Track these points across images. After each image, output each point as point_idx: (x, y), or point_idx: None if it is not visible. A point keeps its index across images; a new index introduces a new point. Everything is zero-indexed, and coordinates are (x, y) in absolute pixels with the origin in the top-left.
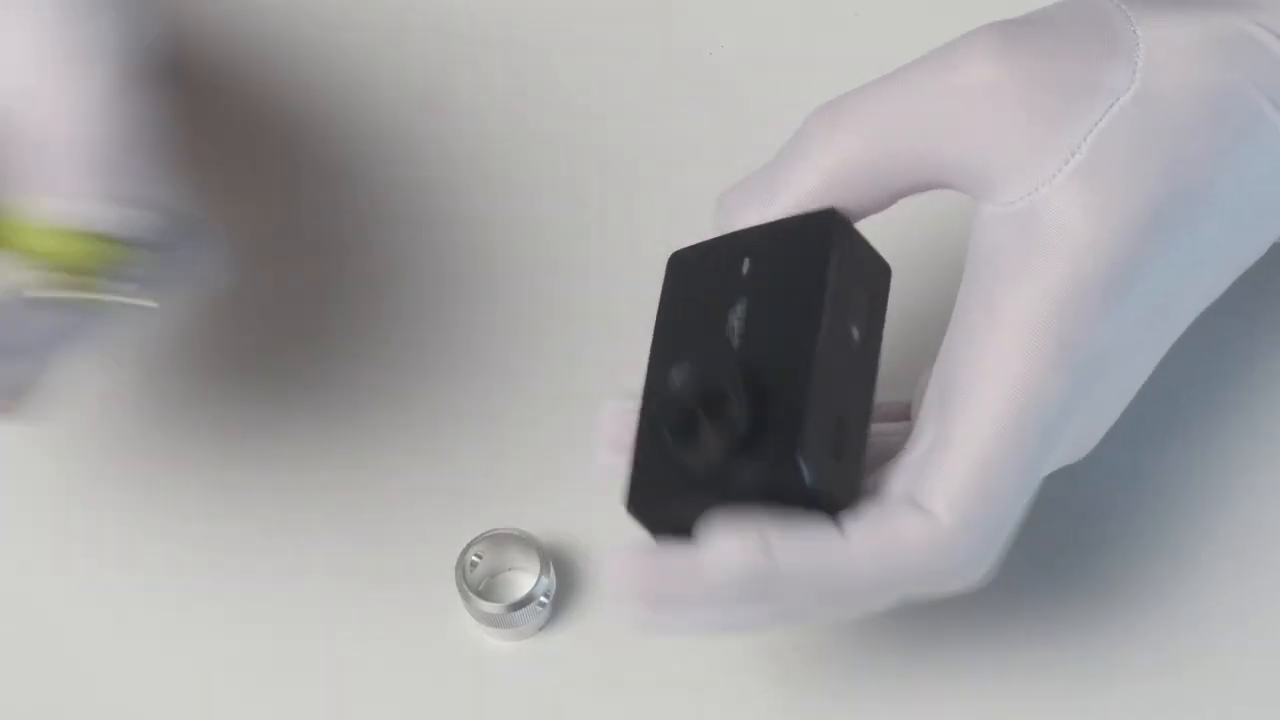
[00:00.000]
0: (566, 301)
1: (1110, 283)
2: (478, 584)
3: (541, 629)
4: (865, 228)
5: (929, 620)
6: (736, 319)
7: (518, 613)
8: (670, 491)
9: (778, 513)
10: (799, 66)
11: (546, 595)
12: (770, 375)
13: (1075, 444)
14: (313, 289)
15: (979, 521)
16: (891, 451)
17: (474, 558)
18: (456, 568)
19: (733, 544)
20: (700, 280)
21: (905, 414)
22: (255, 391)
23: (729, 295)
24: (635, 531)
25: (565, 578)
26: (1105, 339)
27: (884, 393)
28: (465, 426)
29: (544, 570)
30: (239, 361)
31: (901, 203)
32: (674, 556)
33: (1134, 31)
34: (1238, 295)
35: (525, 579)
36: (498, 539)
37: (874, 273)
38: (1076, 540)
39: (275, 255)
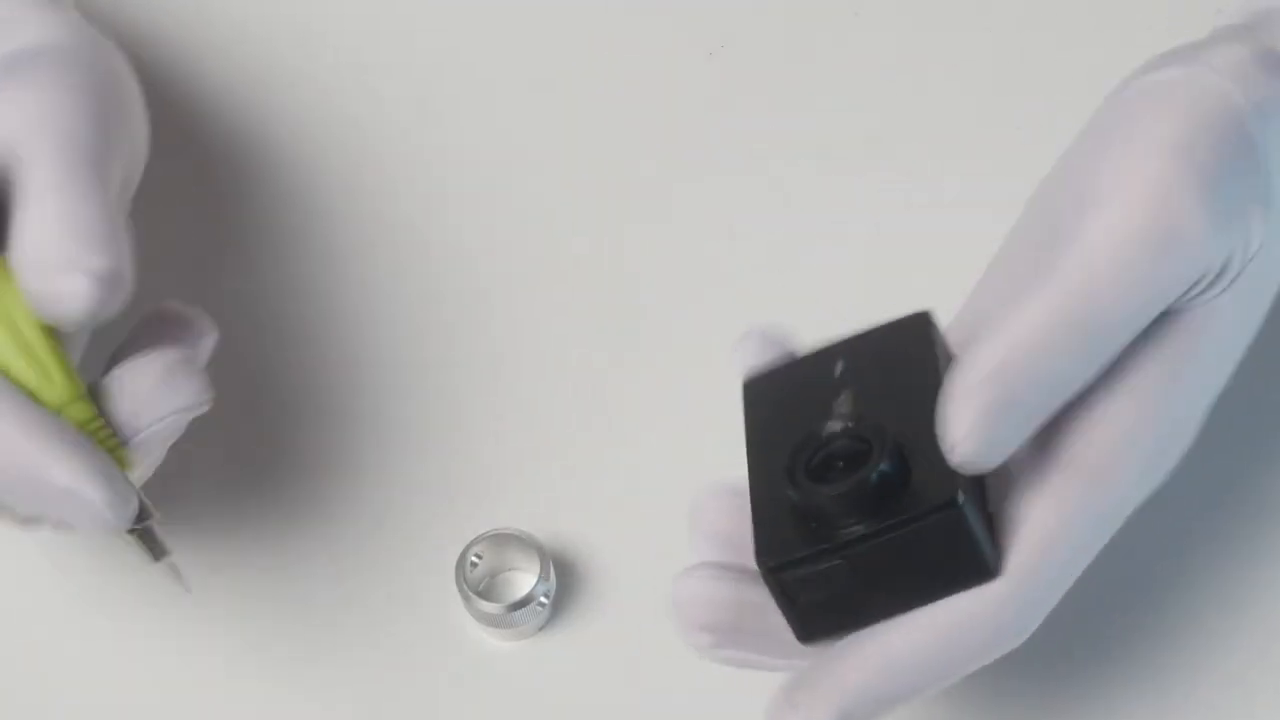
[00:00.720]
0: (568, 302)
1: (1234, 354)
2: (478, 584)
3: (541, 629)
4: None
5: None
6: (842, 407)
7: (518, 613)
8: (805, 548)
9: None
10: (799, 66)
11: (546, 595)
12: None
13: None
14: (313, 289)
15: (1038, 584)
16: None
17: (474, 558)
18: (456, 568)
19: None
20: (788, 392)
21: None
22: (255, 391)
23: (827, 393)
24: (635, 533)
25: (565, 578)
26: (1170, 426)
27: None
28: (465, 426)
29: (544, 570)
30: (238, 362)
31: None
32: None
33: (1260, 133)
34: None
35: (525, 579)
36: (498, 539)
37: None
38: None
39: (275, 256)
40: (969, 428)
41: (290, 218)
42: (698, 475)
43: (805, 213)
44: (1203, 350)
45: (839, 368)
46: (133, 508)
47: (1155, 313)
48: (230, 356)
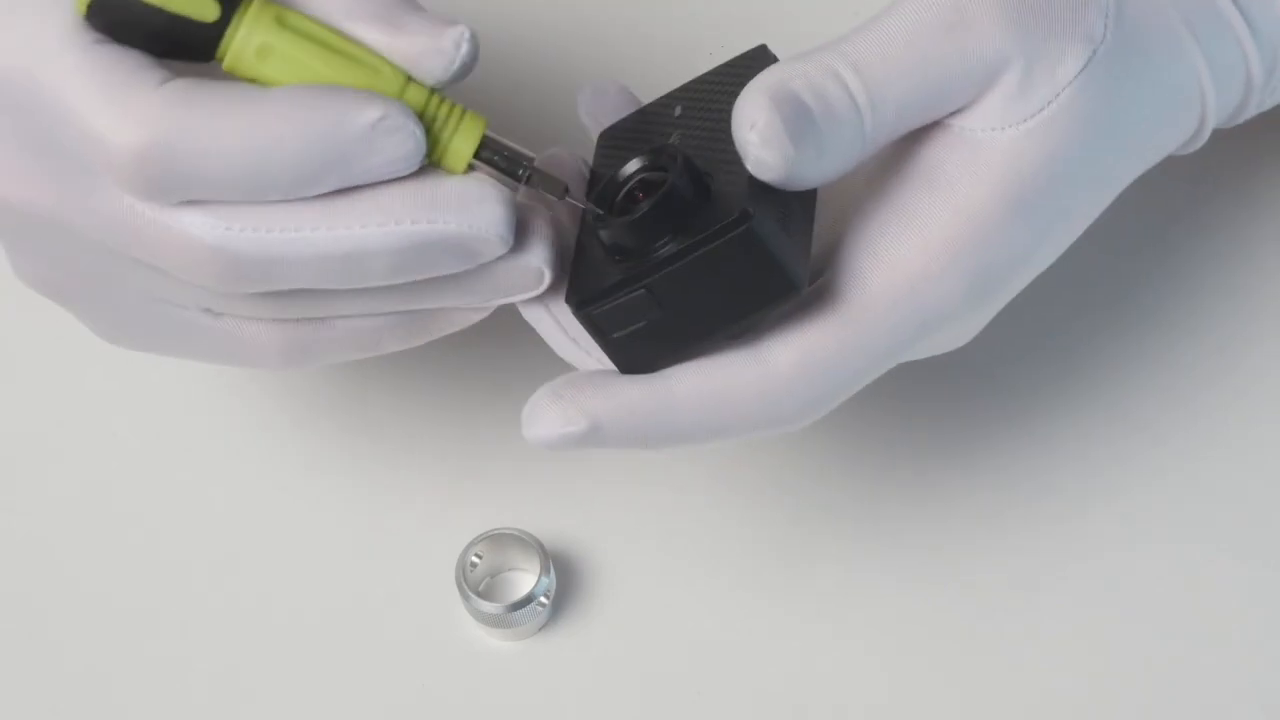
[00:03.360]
0: None
1: (1031, 208)
2: (478, 584)
3: (541, 629)
4: None
5: (927, 621)
6: (680, 109)
7: (518, 613)
8: (610, 280)
9: (602, 378)
10: None
11: (546, 595)
12: (712, 172)
13: (951, 341)
14: None
15: (817, 387)
16: None
17: (474, 558)
18: (456, 568)
19: (554, 429)
20: (632, 136)
21: None
22: (255, 392)
23: (660, 136)
24: (635, 533)
25: (565, 578)
26: (1007, 258)
27: None
28: (465, 426)
29: (544, 570)
30: None
31: None
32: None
33: None
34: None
35: (525, 579)
36: (498, 539)
37: None
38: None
39: None
40: (764, 116)
41: None
42: (698, 475)
43: None
44: (1032, 169)
45: (678, 110)
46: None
47: (938, 106)
48: None
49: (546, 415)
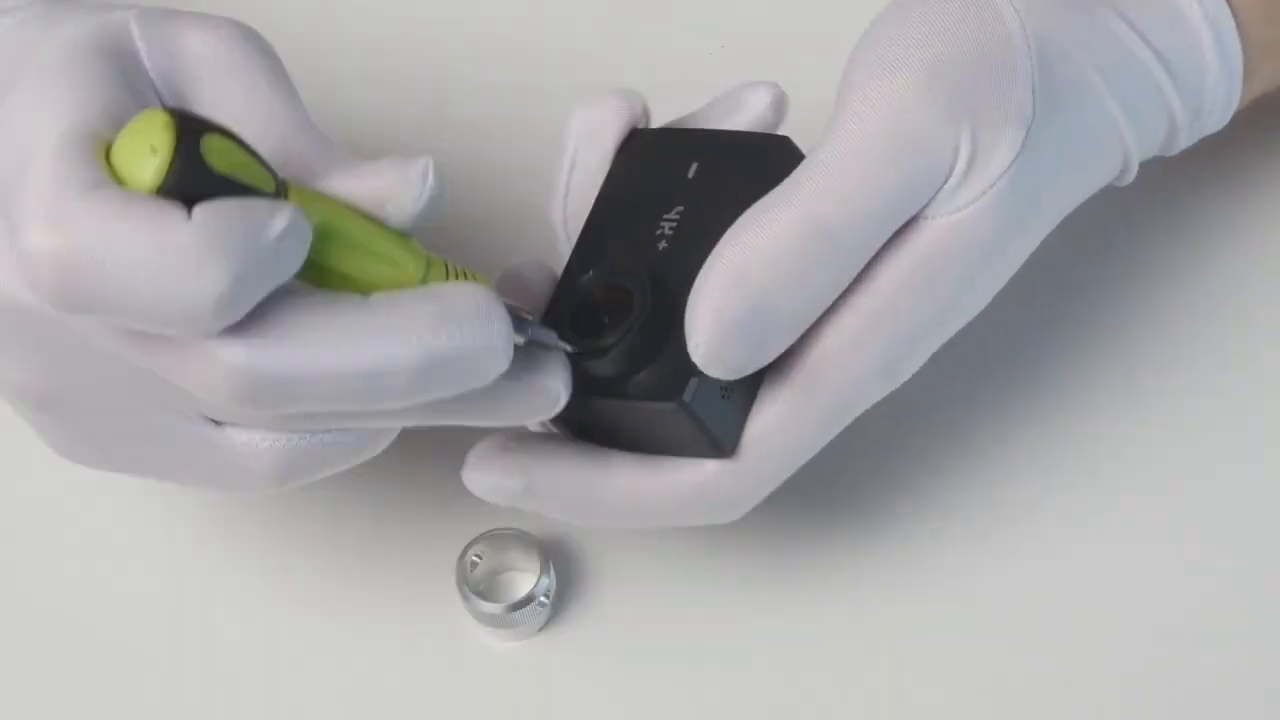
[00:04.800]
0: None
1: (950, 283)
2: (478, 584)
3: (541, 629)
4: None
5: (928, 621)
6: (669, 222)
7: (518, 613)
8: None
9: (551, 442)
10: (799, 67)
11: (546, 595)
12: (685, 291)
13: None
14: None
15: (752, 473)
16: None
17: (474, 558)
18: (456, 568)
19: (491, 479)
20: (650, 167)
21: None
22: None
23: (669, 195)
24: (635, 533)
25: (565, 578)
26: (922, 326)
27: None
28: (466, 426)
29: (544, 570)
30: None
31: None
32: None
33: (1028, 51)
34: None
35: (525, 579)
36: (498, 539)
37: None
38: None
39: None
40: (706, 335)
41: None
42: None
43: None
44: (948, 262)
45: (693, 170)
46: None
47: (895, 219)
48: None
49: (490, 465)
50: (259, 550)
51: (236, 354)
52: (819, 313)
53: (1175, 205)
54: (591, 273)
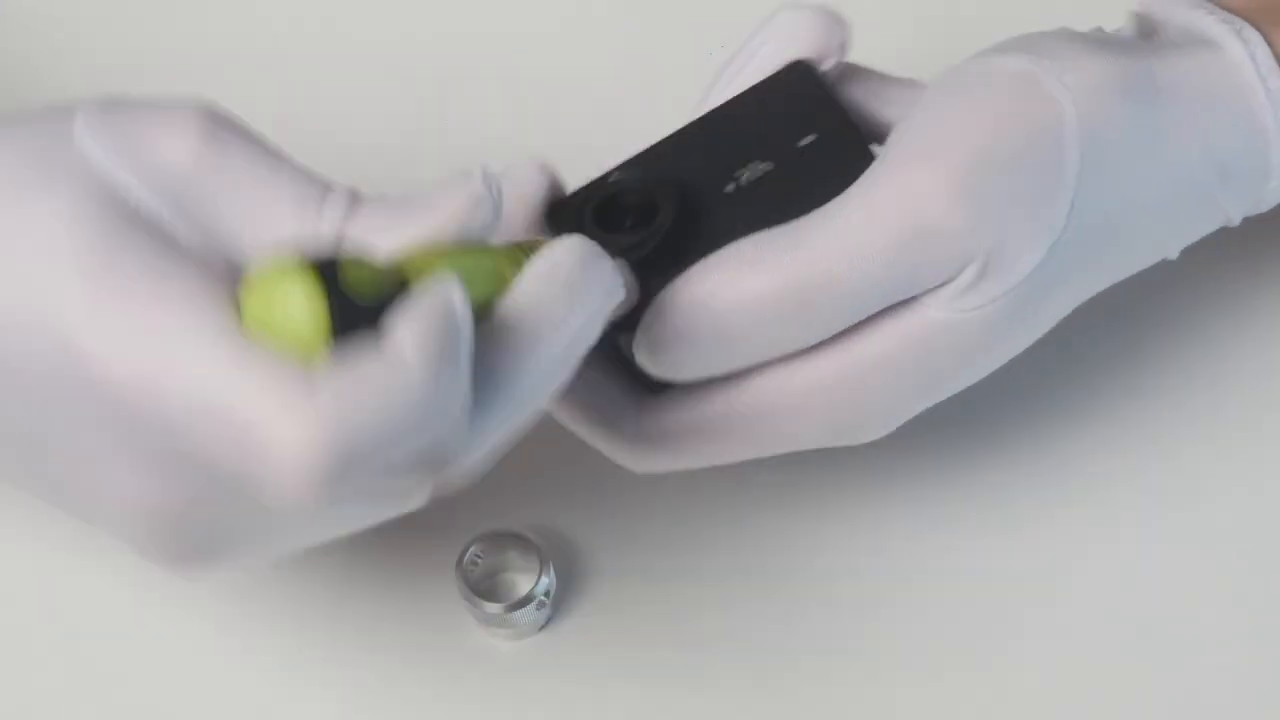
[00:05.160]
0: None
1: (973, 369)
2: (478, 584)
3: (541, 629)
4: None
5: (929, 621)
6: (750, 172)
7: (518, 613)
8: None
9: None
10: None
11: (546, 595)
12: (704, 246)
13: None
14: None
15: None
16: None
17: (474, 558)
18: (456, 568)
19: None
20: (783, 107)
21: None
22: None
23: (774, 147)
24: (635, 533)
25: (565, 578)
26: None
27: None
28: None
29: (544, 570)
30: None
31: None
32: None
33: (1078, 160)
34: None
35: (525, 579)
36: (498, 539)
37: None
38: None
39: None
40: (657, 338)
41: None
42: (697, 476)
43: None
44: (938, 356)
45: (808, 140)
46: None
47: (886, 303)
48: None
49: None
50: None
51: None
52: (777, 355)
53: None
54: (640, 170)
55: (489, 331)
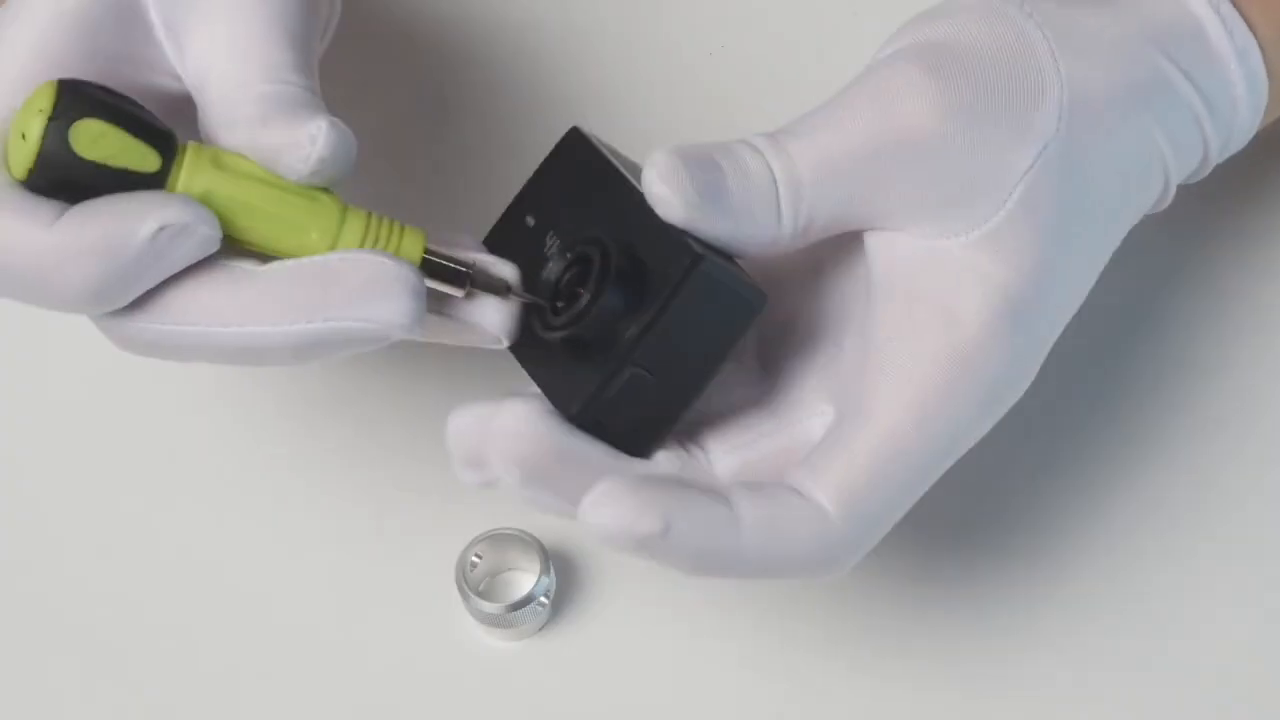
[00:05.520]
0: None
1: (1022, 319)
2: (478, 584)
3: (541, 629)
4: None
5: (928, 625)
6: (551, 249)
7: (518, 613)
8: (595, 373)
9: (680, 486)
10: (799, 66)
11: (546, 595)
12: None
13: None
14: None
15: (866, 526)
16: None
17: (474, 558)
18: (456, 568)
19: (624, 508)
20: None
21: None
22: (256, 392)
23: (533, 246)
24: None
25: (565, 578)
26: (1016, 365)
27: None
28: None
29: (544, 570)
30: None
31: None
32: (576, 460)
33: (1059, 72)
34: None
35: (525, 579)
36: (498, 539)
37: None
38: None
39: None
40: (661, 167)
41: None
42: None
43: None
44: (991, 299)
45: (530, 220)
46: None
47: (871, 202)
48: None
49: (616, 502)
50: (259, 550)
51: (112, 327)
52: None
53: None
54: (552, 251)
55: (240, 268)
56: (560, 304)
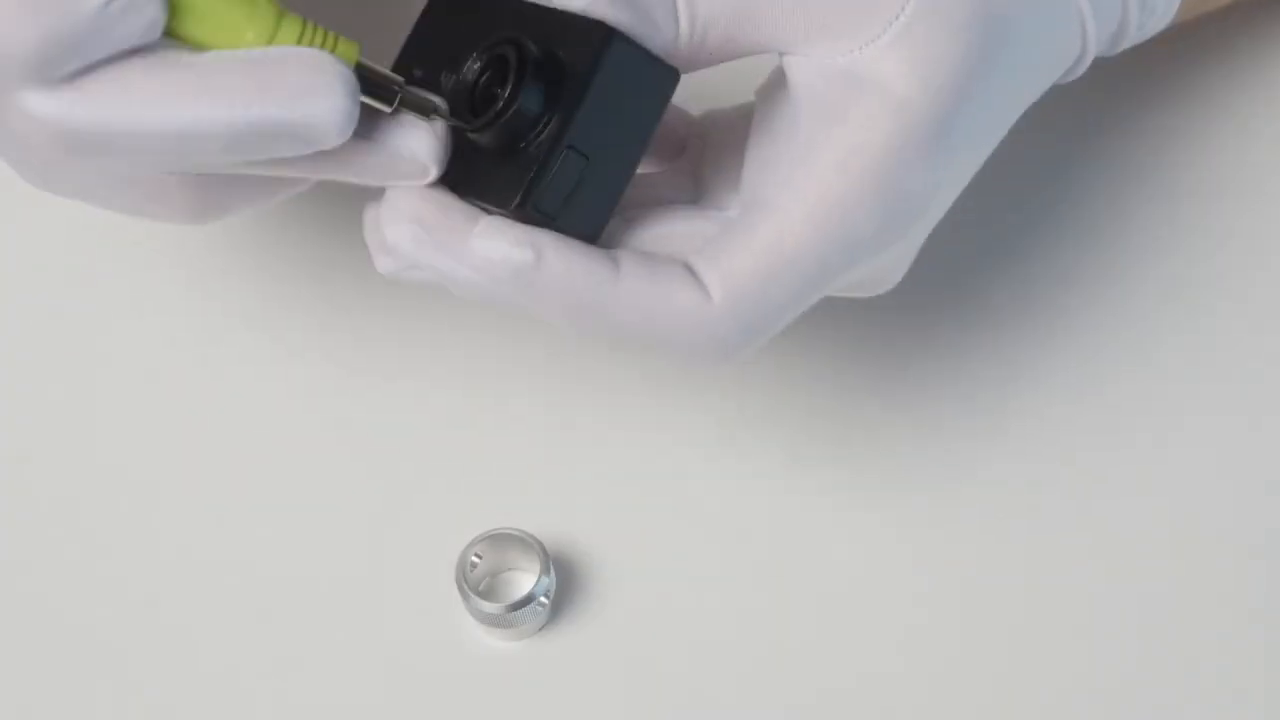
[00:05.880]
0: None
1: (929, 136)
2: (478, 584)
3: (541, 629)
4: None
5: (928, 621)
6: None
7: (518, 613)
8: (526, 166)
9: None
10: None
11: (546, 595)
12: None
13: (881, 278)
14: (313, 289)
15: (747, 314)
16: (660, 201)
17: (474, 558)
18: (456, 568)
19: (504, 238)
20: (439, 40)
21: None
22: (256, 391)
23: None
24: (635, 533)
25: (565, 578)
26: (921, 184)
27: None
28: (465, 426)
29: (544, 570)
30: (239, 362)
31: None
32: (461, 211)
33: None
34: None
35: (525, 579)
36: (498, 539)
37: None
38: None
39: (275, 255)
40: None
41: (289, 217)
42: (697, 475)
43: None
44: (900, 113)
45: (416, 73)
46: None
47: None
48: (231, 356)
49: (499, 233)
50: (259, 550)
51: (46, 106)
52: None
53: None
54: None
55: (179, 55)
56: (479, 114)
